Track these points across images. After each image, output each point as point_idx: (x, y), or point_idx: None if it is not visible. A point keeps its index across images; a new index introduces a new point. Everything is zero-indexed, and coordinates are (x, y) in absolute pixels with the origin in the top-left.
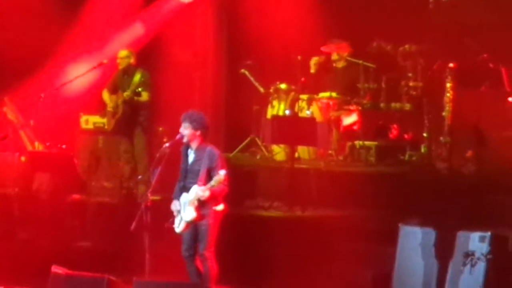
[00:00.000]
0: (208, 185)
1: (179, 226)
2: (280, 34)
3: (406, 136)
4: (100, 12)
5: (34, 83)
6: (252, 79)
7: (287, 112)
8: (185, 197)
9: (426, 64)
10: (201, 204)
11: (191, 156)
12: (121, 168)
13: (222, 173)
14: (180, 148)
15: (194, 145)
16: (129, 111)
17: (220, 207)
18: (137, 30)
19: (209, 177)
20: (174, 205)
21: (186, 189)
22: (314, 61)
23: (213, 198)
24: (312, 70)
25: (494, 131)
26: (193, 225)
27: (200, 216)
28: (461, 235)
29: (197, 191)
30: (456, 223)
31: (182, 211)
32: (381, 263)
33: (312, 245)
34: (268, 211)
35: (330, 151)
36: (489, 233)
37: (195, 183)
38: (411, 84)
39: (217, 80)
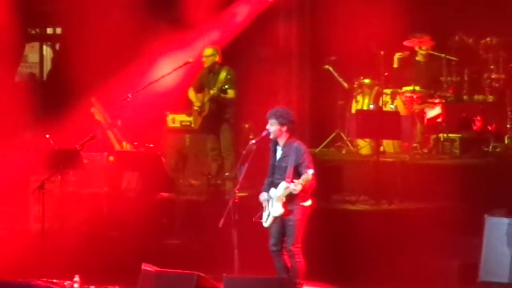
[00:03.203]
0: (299, 181)
1: (267, 221)
2: (362, 29)
3: (489, 127)
4: (185, 10)
5: (121, 83)
6: (336, 74)
7: (371, 106)
8: (273, 192)
9: (508, 56)
10: (289, 200)
11: (279, 152)
12: (208, 165)
13: (310, 172)
14: (267, 144)
15: (281, 141)
16: (215, 108)
17: (308, 202)
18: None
19: (296, 173)
20: (263, 196)
21: (274, 184)
22: (398, 56)
23: (304, 192)
24: (395, 65)
25: None
26: (280, 220)
27: (288, 212)
28: None
29: (290, 186)
30: None
31: (270, 206)
32: (468, 253)
33: (399, 237)
34: (355, 205)
35: (414, 144)
36: None
37: (282, 179)
38: (493, 76)
39: (301, 76)
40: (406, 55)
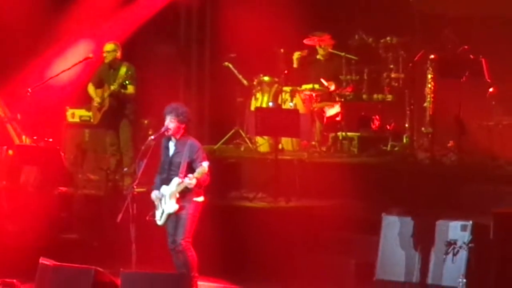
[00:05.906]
0: (194, 175)
1: (161, 219)
2: (263, 27)
3: (388, 126)
4: (85, 6)
5: (21, 78)
6: (235, 71)
7: (270, 104)
8: (165, 189)
9: (407, 55)
10: (182, 196)
11: (172, 149)
12: (107, 160)
13: (205, 164)
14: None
15: (176, 137)
16: (115, 104)
17: (201, 198)
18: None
19: (190, 169)
20: (154, 194)
21: (167, 181)
22: (296, 55)
23: (198, 187)
24: (295, 65)
25: (475, 121)
26: (174, 217)
27: (181, 207)
28: (440, 223)
29: (185, 180)
30: (438, 212)
31: (163, 204)
32: (365, 252)
33: (296, 235)
34: (253, 202)
35: (313, 142)
36: (470, 222)
37: (176, 175)
38: (392, 75)
39: (201, 72)
40: (305, 54)
